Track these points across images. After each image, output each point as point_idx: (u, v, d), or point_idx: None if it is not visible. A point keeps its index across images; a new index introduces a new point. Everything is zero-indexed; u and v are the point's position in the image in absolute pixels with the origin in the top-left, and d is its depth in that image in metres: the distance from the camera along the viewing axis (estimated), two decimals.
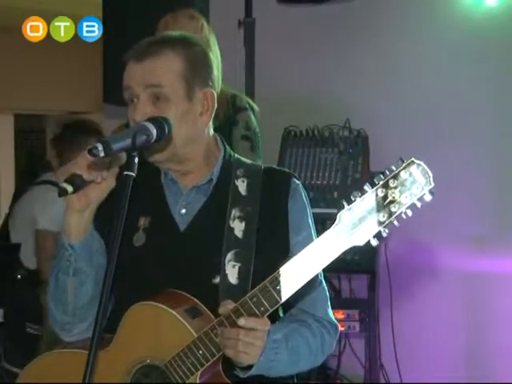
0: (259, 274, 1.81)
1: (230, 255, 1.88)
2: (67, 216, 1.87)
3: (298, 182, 2.01)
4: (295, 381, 2.01)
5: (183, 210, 1.96)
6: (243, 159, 2.06)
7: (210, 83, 1.95)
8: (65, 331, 1.97)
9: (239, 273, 1.86)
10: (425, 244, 4.27)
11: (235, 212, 1.92)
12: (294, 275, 1.73)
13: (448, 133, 4.31)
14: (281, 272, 1.73)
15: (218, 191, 1.96)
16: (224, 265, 1.87)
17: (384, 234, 1.66)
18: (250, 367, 1.79)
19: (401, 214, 1.64)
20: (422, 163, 1.64)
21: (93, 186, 1.82)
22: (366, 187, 1.65)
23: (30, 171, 7.49)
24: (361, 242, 1.67)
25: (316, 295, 1.97)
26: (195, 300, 1.86)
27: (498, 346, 4.19)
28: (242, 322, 1.73)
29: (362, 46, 4.50)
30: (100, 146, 1.66)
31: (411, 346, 4.32)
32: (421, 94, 4.38)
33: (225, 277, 1.87)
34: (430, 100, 4.36)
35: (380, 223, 1.65)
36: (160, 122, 1.81)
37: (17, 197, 4.31)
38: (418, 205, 1.64)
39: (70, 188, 1.75)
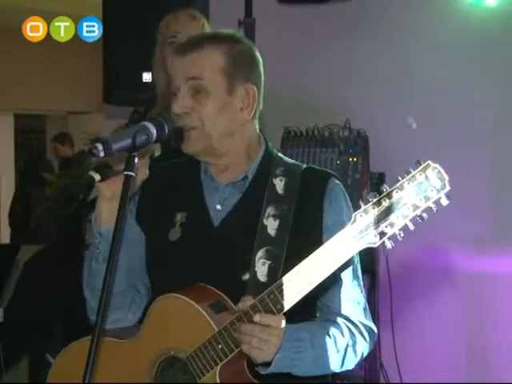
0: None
1: (261, 252, 1.88)
2: (98, 204, 1.91)
3: (337, 182, 1.99)
4: (330, 381, 2.00)
5: (218, 206, 1.97)
6: (286, 158, 2.05)
7: (253, 80, 1.95)
8: None
9: (269, 270, 1.86)
10: (425, 244, 4.26)
11: (270, 210, 1.92)
12: (309, 273, 1.73)
13: (448, 133, 4.31)
14: (296, 270, 1.73)
15: (254, 188, 1.96)
16: (254, 262, 1.87)
17: (399, 238, 1.65)
18: (269, 364, 1.78)
19: (415, 216, 1.63)
20: (438, 166, 1.62)
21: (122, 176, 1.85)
22: (383, 188, 1.65)
23: (30, 171, 7.48)
24: (375, 244, 1.67)
25: (350, 298, 1.96)
26: (222, 295, 1.87)
27: (499, 345, 4.18)
28: (257, 318, 1.73)
29: (362, 45, 4.50)
30: (100, 146, 1.68)
31: (411, 346, 4.31)
32: (421, 94, 4.38)
33: (254, 274, 1.86)
34: (430, 100, 4.36)
35: (394, 225, 1.64)
36: (160, 121, 1.82)
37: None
38: (434, 208, 1.63)
39: (97, 176, 1.81)
